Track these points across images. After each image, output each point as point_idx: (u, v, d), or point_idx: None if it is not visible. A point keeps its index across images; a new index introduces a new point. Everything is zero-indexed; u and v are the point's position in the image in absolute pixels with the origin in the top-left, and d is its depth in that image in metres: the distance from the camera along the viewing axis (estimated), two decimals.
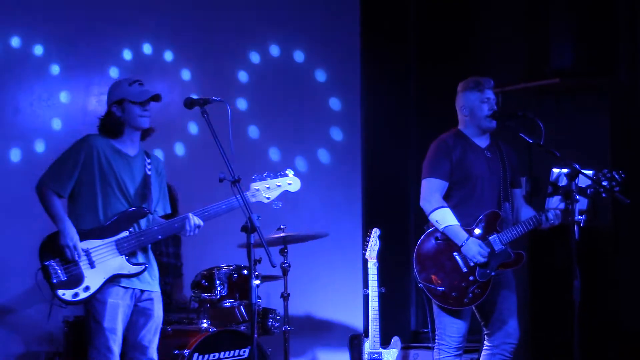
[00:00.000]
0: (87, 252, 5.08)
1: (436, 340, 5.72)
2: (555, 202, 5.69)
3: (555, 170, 5.67)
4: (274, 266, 4.85)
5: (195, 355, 5.93)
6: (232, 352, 6.05)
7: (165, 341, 5.67)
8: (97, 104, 6.97)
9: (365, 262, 6.69)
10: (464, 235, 5.59)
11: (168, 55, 7.41)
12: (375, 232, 6.66)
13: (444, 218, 5.60)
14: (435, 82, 7.52)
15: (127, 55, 7.27)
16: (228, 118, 4.91)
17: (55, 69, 7.08)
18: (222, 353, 6.02)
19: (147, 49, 7.35)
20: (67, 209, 5.19)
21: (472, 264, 5.58)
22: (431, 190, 5.67)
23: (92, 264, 5.08)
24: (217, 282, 6.19)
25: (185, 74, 7.45)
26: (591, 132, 6.96)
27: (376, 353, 6.60)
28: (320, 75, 7.81)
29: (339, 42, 7.82)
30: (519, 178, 5.90)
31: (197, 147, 7.32)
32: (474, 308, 5.69)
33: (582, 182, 5.53)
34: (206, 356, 5.97)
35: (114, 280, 5.11)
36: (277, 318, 6.43)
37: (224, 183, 4.81)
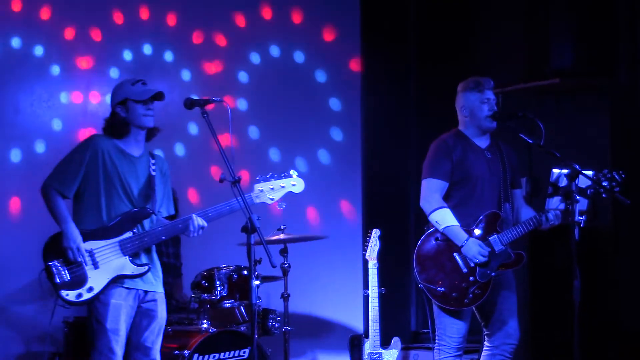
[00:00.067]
0: (91, 253, 5.07)
1: (436, 341, 5.72)
2: (555, 203, 5.68)
3: (556, 171, 5.66)
4: (274, 267, 4.84)
5: (196, 355, 5.92)
6: (232, 352, 6.05)
7: (166, 341, 5.66)
8: (97, 104, 6.98)
9: (365, 262, 6.68)
10: (464, 235, 5.59)
11: (168, 56, 7.41)
12: (376, 233, 6.66)
13: (444, 218, 5.60)
14: (435, 82, 7.51)
15: (127, 55, 7.27)
16: (228, 118, 4.90)
17: (55, 70, 7.08)
18: (222, 353, 6.02)
19: (147, 49, 7.35)
20: (71, 209, 5.17)
21: (472, 265, 5.58)
22: (431, 190, 5.67)
23: (95, 265, 5.07)
24: (217, 282, 6.19)
25: (185, 75, 7.45)
26: (591, 133, 6.95)
27: (376, 354, 6.59)
28: (320, 76, 7.80)
29: (339, 42, 7.81)
30: (519, 178, 5.90)
31: (197, 147, 7.32)
32: (474, 308, 5.69)
33: (582, 182, 5.53)
34: (206, 357, 5.97)
35: (117, 281, 5.10)
36: (277, 318, 6.43)
37: (224, 183, 4.81)
